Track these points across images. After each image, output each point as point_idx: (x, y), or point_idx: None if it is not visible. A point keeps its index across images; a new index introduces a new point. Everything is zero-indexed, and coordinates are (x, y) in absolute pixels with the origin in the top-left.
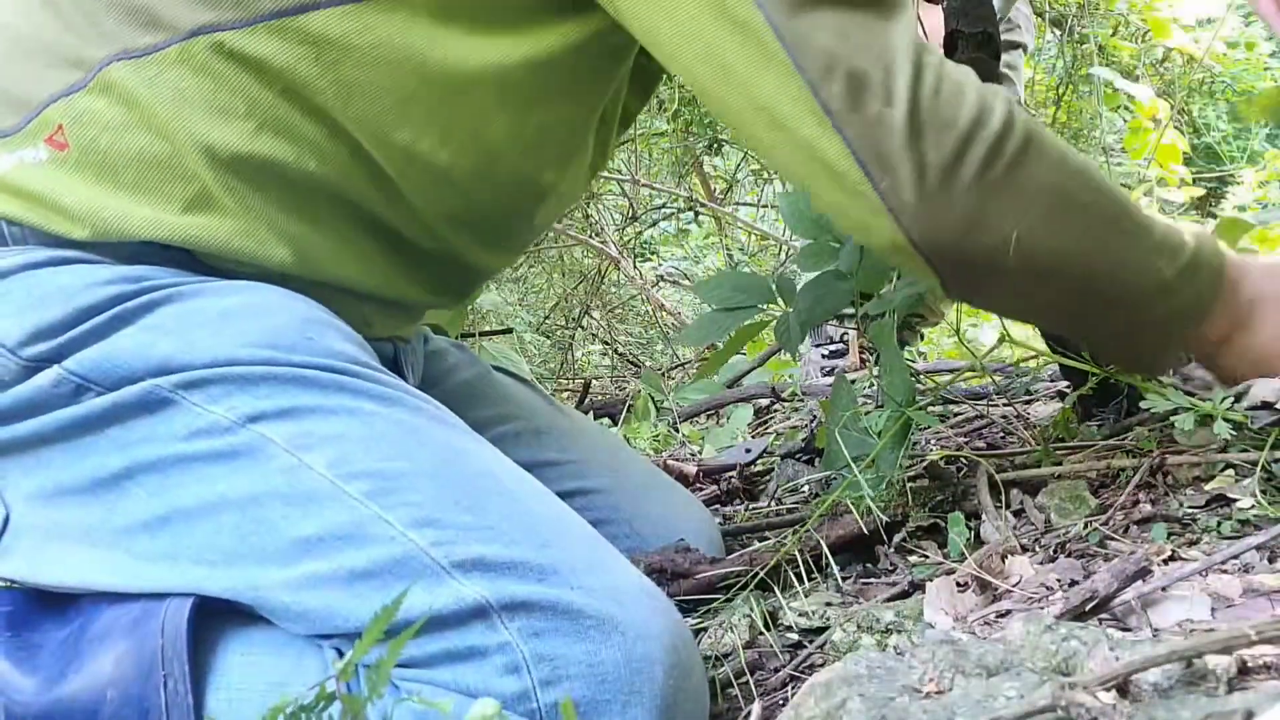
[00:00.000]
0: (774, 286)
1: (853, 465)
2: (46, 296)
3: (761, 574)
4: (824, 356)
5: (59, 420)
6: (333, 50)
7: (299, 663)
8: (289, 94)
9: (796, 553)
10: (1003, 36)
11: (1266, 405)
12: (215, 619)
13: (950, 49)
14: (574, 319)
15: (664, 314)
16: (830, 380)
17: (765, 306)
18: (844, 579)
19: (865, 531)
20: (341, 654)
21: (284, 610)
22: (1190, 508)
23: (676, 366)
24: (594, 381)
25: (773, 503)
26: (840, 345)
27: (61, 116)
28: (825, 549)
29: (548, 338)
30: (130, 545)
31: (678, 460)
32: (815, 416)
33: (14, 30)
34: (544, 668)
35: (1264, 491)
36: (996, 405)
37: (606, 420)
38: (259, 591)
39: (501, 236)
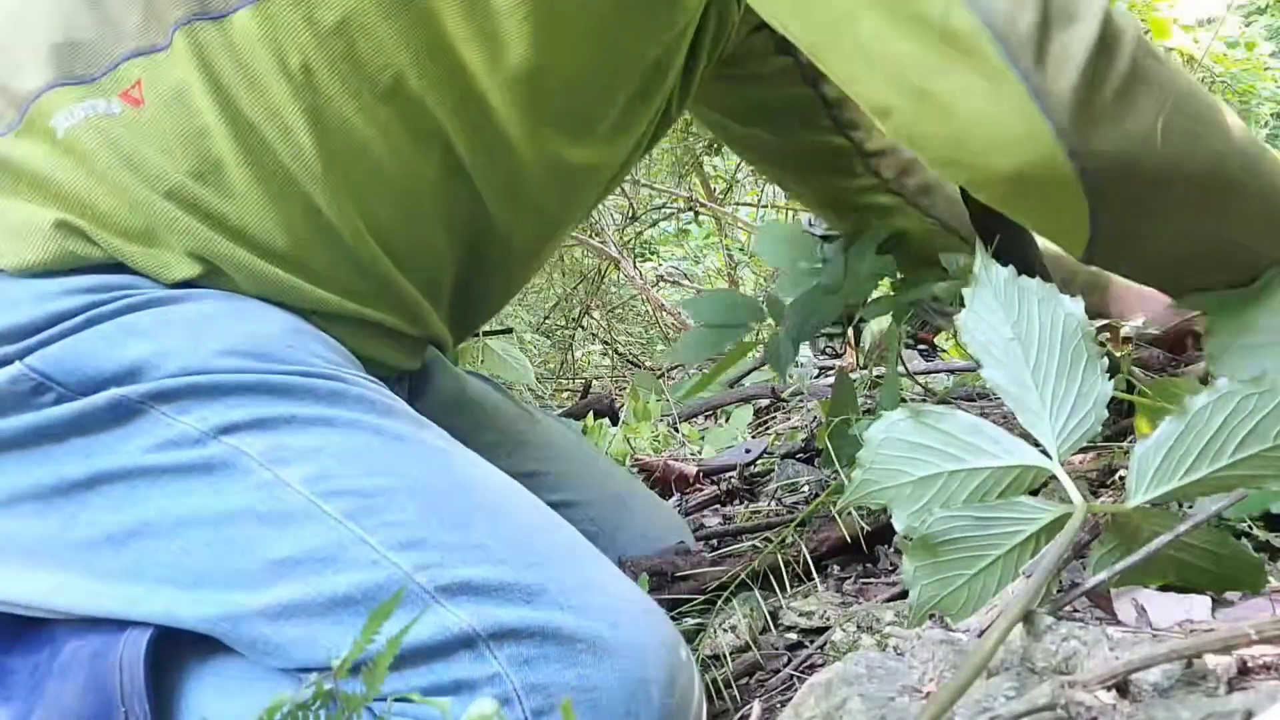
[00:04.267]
0: (764, 305)
1: (841, 470)
2: (18, 300)
3: (760, 575)
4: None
5: (16, 426)
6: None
7: (275, 695)
8: (360, 56)
9: (796, 554)
10: None
11: None
12: (185, 648)
13: None
14: (574, 319)
15: (664, 314)
16: (829, 381)
17: (755, 325)
18: (844, 579)
19: (849, 538)
20: None
21: (261, 641)
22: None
23: (676, 366)
24: (594, 381)
25: (773, 503)
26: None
27: (140, 73)
28: (807, 556)
29: (548, 338)
30: (92, 561)
31: (678, 460)
32: (815, 417)
33: None
34: (536, 697)
35: None
36: (997, 406)
37: (605, 421)
38: (234, 621)
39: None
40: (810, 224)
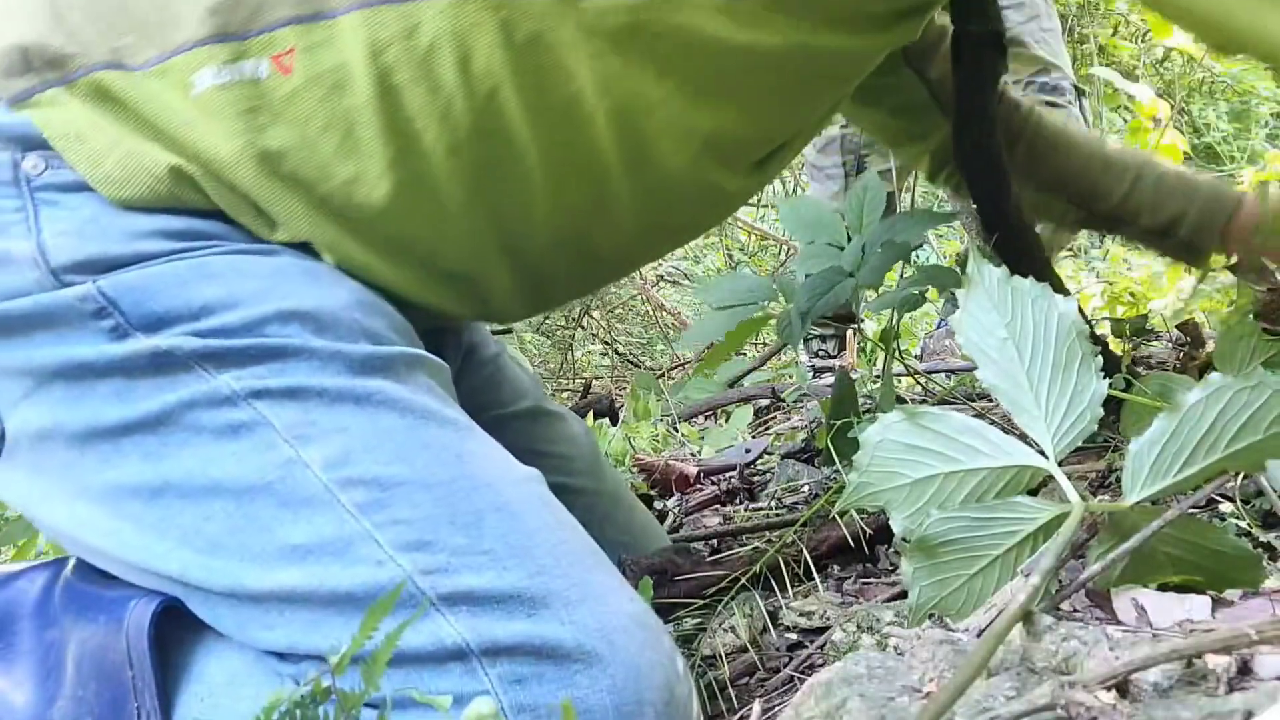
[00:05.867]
0: (776, 285)
1: (842, 470)
2: (111, 229)
3: (761, 575)
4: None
5: (65, 356)
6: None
7: (269, 689)
8: (548, 69)
9: (796, 554)
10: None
11: None
12: (187, 641)
13: (957, 49)
14: (574, 319)
15: (664, 314)
16: (828, 381)
17: (766, 304)
18: (844, 579)
19: (850, 541)
20: (298, 684)
21: (257, 620)
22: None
23: (676, 366)
24: (594, 381)
25: (773, 503)
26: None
27: (296, 40)
28: (809, 556)
29: (548, 338)
30: (120, 505)
31: (678, 460)
32: (815, 417)
33: None
34: (524, 718)
35: (1246, 501)
36: (997, 406)
37: (605, 421)
38: (238, 596)
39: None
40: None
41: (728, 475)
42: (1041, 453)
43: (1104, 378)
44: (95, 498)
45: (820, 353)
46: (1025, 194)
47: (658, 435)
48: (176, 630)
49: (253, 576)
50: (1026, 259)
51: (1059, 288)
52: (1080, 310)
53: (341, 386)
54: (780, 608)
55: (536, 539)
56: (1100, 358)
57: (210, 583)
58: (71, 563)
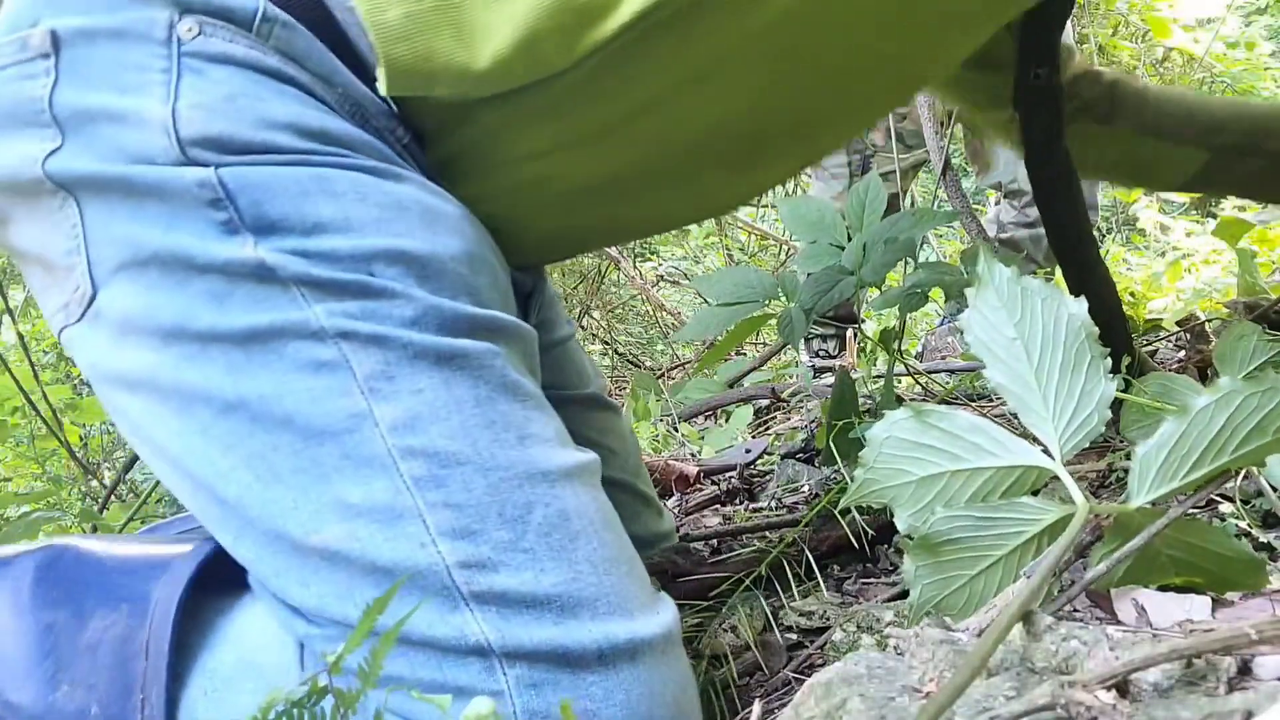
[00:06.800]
0: (778, 282)
1: (845, 470)
2: (245, 113)
3: (762, 575)
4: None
5: (171, 242)
6: None
7: (282, 676)
8: None
9: (797, 553)
10: None
11: None
12: (196, 625)
13: None
14: (574, 319)
15: (664, 314)
16: (828, 381)
17: (766, 301)
18: (844, 579)
19: (852, 541)
20: (303, 648)
21: (293, 570)
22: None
23: (676, 366)
24: None
25: (773, 503)
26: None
27: None
28: (810, 556)
29: None
30: (193, 410)
31: (678, 460)
32: (815, 417)
33: None
34: None
35: (1246, 502)
36: (998, 406)
37: None
38: (283, 539)
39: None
40: None
41: (728, 475)
42: (1047, 453)
43: (1118, 367)
44: (168, 392)
45: (820, 353)
46: (1142, 149)
47: (658, 435)
48: (188, 619)
49: (299, 524)
50: (1070, 208)
51: (1092, 242)
52: (1112, 288)
53: (427, 343)
54: (781, 608)
55: (579, 541)
56: (1109, 359)
57: (263, 519)
58: (68, 544)
